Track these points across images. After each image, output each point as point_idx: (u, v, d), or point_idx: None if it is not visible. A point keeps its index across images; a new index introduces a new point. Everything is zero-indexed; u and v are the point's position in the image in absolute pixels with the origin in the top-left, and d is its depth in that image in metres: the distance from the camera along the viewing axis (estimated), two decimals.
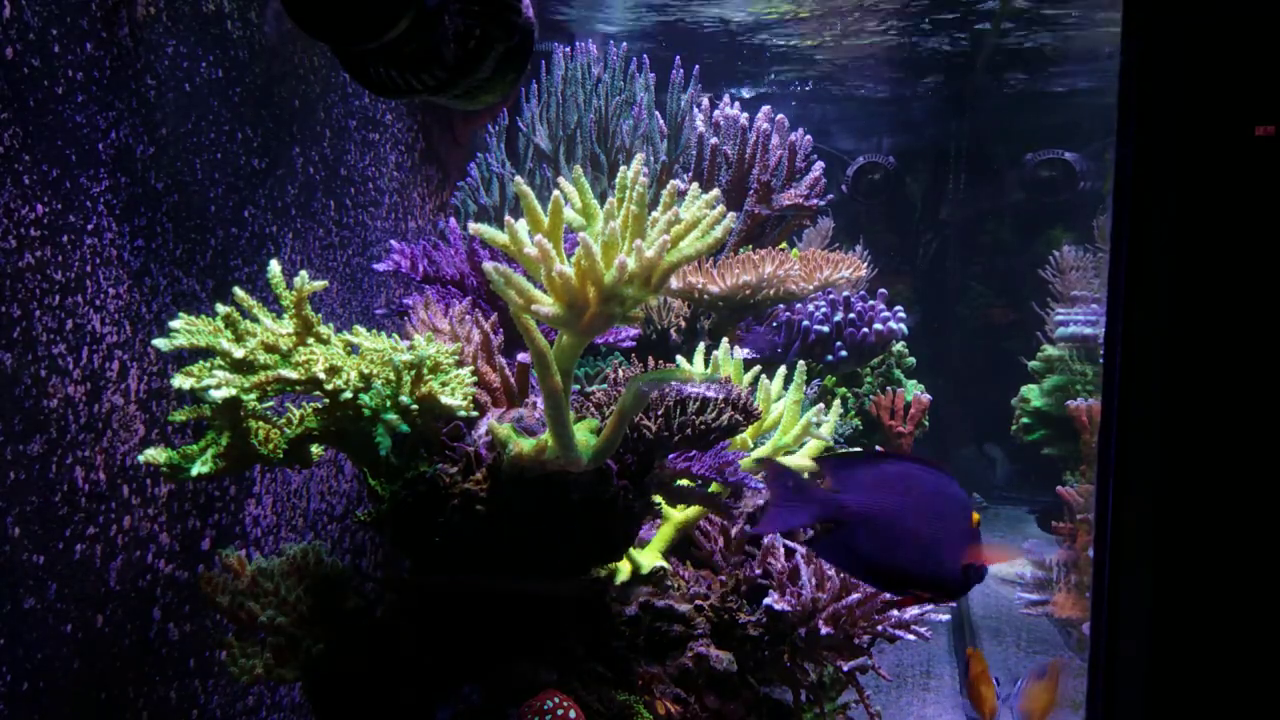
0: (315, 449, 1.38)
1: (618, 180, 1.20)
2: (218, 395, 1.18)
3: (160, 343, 1.20)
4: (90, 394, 1.28)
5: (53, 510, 1.22)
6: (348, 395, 1.24)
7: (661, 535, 1.68)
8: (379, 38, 1.27)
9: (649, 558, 1.63)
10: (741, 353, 2.18)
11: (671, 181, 1.27)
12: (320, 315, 1.30)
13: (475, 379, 1.41)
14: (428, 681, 1.40)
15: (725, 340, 1.67)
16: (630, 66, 2.36)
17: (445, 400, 1.31)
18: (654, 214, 1.19)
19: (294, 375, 1.23)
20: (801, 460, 1.68)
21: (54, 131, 1.20)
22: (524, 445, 1.30)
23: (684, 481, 1.55)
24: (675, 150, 2.38)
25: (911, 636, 1.60)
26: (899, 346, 3.02)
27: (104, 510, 1.32)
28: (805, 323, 2.29)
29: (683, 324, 2.25)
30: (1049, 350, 3.46)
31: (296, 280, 1.27)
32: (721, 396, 1.39)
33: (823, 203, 2.40)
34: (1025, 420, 3.48)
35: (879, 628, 1.60)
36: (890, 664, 2.60)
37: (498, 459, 1.34)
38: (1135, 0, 1.17)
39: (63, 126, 1.22)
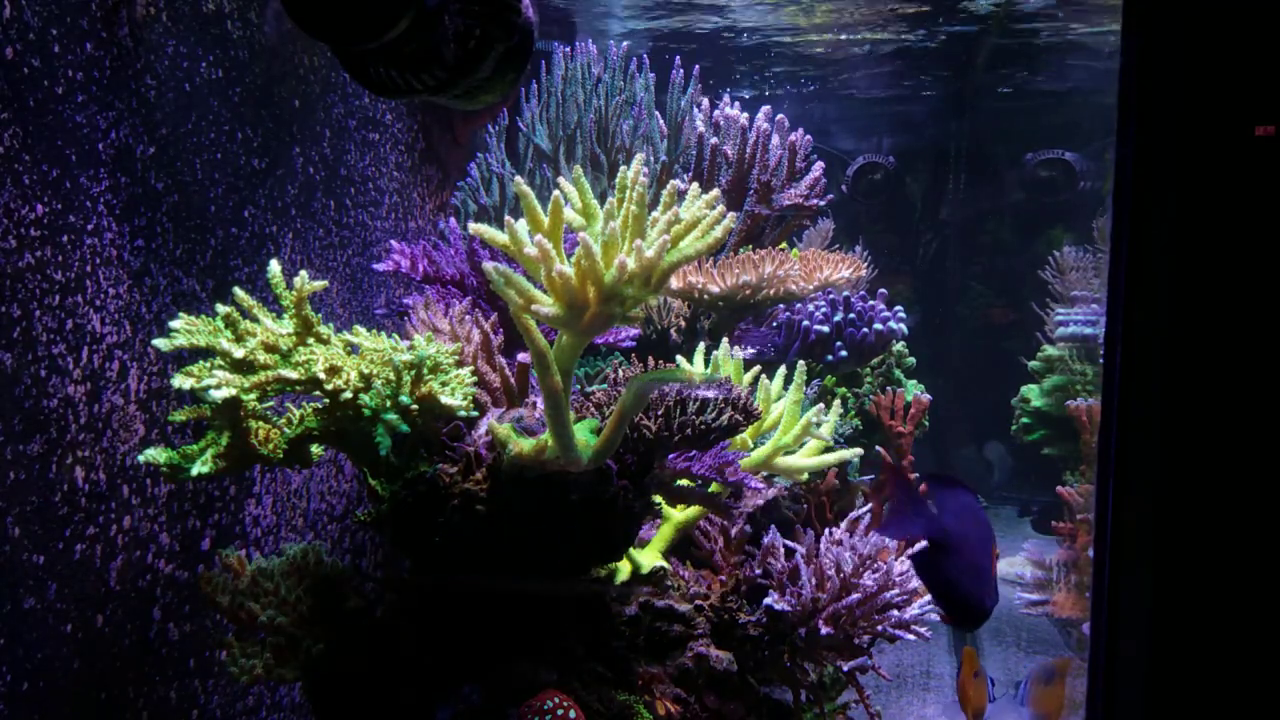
0: (315, 449, 1.38)
1: (618, 180, 1.20)
2: (218, 395, 1.18)
3: (160, 343, 1.20)
4: (90, 394, 1.28)
5: (53, 510, 1.22)
6: (348, 395, 1.24)
7: (661, 535, 1.68)
8: (379, 38, 1.27)
9: (649, 558, 1.63)
10: (745, 352, 2.18)
11: (671, 181, 1.27)
12: (320, 315, 1.30)
13: (475, 379, 1.41)
14: (428, 681, 1.40)
15: (725, 340, 1.67)
16: (630, 66, 2.36)
17: (445, 400, 1.31)
18: (654, 214, 1.19)
19: (294, 375, 1.23)
20: (802, 460, 1.68)
21: (54, 131, 1.20)
22: (524, 445, 1.30)
23: (684, 481, 1.55)
24: (675, 150, 2.38)
25: (911, 636, 1.60)
26: (899, 346, 3.02)
27: (104, 510, 1.32)
28: (805, 323, 2.29)
29: (683, 324, 2.25)
30: (1049, 350, 3.46)
31: (296, 280, 1.27)
32: (721, 396, 1.39)
33: (823, 203, 2.40)
34: (1025, 420, 3.48)
35: (879, 628, 1.60)
36: (890, 664, 2.59)
37: (498, 459, 1.35)
38: None
39: (63, 126, 1.22)
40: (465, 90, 1.45)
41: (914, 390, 2.84)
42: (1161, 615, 1.20)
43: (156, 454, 1.24)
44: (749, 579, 1.70)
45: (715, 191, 1.22)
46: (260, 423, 1.31)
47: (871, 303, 2.38)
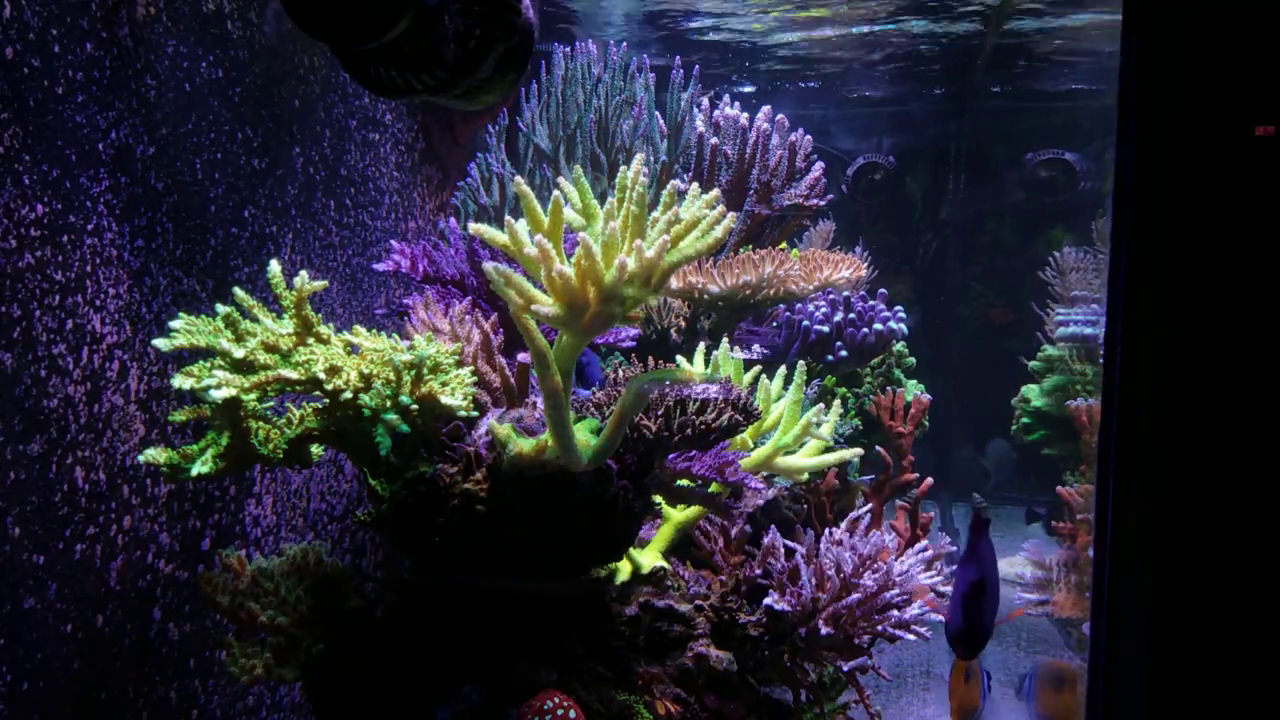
0: (315, 449, 1.38)
1: (618, 180, 1.20)
2: (218, 395, 1.18)
3: (160, 343, 1.20)
4: (90, 394, 1.28)
5: (53, 510, 1.22)
6: (348, 395, 1.24)
7: (661, 535, 1.68)
8: (379, 38, 1.27)
9: (649, 558, 1.63)
10: (746, 353, 2.18)
11: (671, 181, 1.27)
12: (320, 315, 1.30)
13: (475, 379, 1.41)
14: (428, 681, 1.40)
15: (725, 340, 1.67)
16: (630, 66, 2.36)
17: (445, 400, 1.31)
18: (654, 214, 1.19)
19: (294, 375, 1.23)
20: (802, 460, 1.68)
21: (54, 131, 1.20)
22: (524, 445, 1.30)
23: (684, 481, 1.55)
24: (675, 150, 2.38)
25: (911, 636, 1.60)
26: (899, 346, 3.02)
27: (104, 510, 1.32)
28: (805, 323, 2.29)
29: (683, 324, 2.25)
30: (1049, 350, 3.46)
31: (296, 280, 1.27)
32: (722, 397, 1.39)
33: (823, 203, 2.40)
34: (1025, 420, 3.48)
35: (879, 628, 1.60)
36: (890, 664, 2.59)
37: (498, 459, 1.35)
38: None
39: (63, 126, 1.22)
40: (465, 90, 1.45)
41: (914, 390, 2.84)
42: (1161, 615, 1.20)
43: (156, 454, 1.24)
44: (749, 579, 1.70)
45: (715, 191, 1.22)
46: (260, 423, 1.31)
47: (871, 303, 2.38)
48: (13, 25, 1.13)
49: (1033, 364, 3.52)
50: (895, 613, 1.59)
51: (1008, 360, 3.78)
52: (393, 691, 1.40)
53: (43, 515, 1.21)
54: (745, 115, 2.36)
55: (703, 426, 1.40)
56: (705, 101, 2.44)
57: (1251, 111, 1.14)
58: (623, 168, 1.21)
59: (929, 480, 2.20)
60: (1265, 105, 1.14)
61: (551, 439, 1.27)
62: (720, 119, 2.39)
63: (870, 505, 1.93)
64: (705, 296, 2.17)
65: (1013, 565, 2.86)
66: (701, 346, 1.77)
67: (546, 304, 1.15)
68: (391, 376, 1.27)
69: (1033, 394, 3.46)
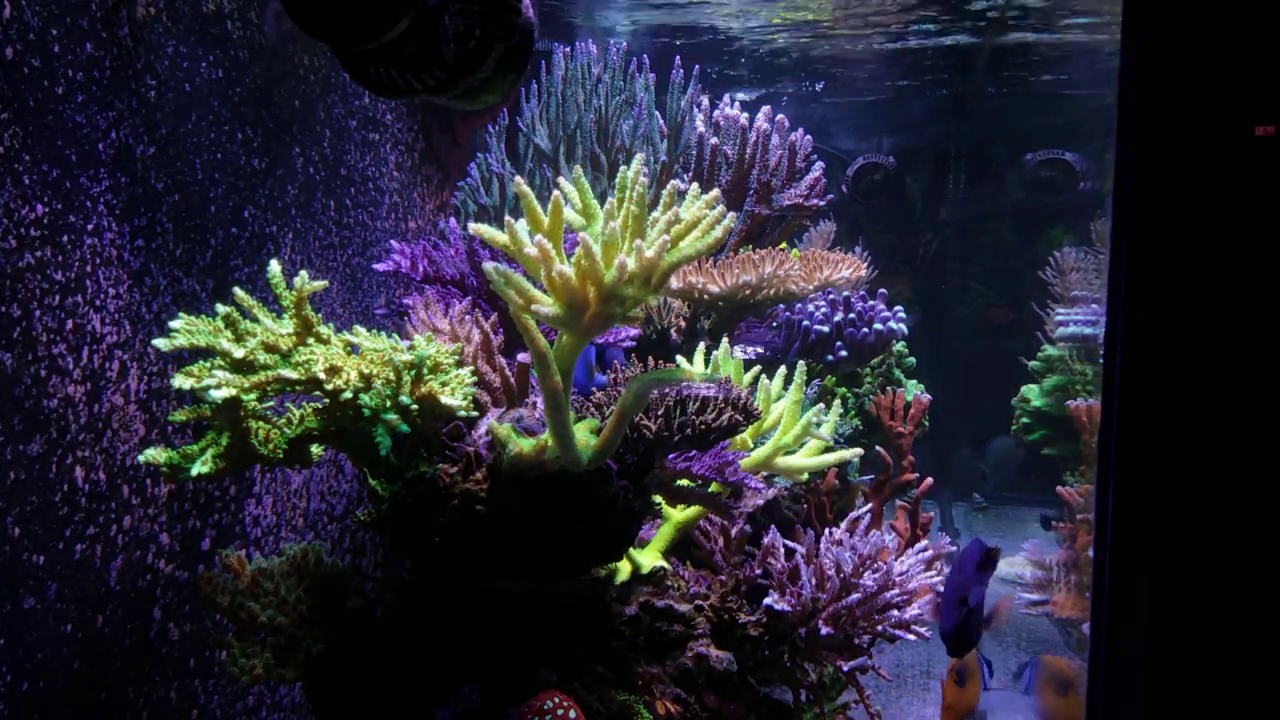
0: (315, 449, 1.38)
1: (618, 180, 1.20)
2: (218, 395, 1.18)
3: (160, 343, 1.20)
4: (90, 394, 1.28)
5: (53, 510, 1.22)
6: (348, 395, 1.24)
7: (661, 535, 1.68)
8: (379, 38, 1.27)
9: (649, 558, 1.63)
10: (745, 353, 2.18)
11: (671, 181, 1.27)
12: (320, 315, 1.30)
13: (475, 379, 1.41)
14: (428, 681, 1.40)
15: (725, 340, 1.67)
16: (630, 66, 2.36)
17: (445, 400, 1.31)
18: (654, 214, 1.19)
19: (294, 375, 1.23)
20: (802, 460, 1.68)
21: (54, 131, 1.20)
22: (524, 445, 1.30)
23: (684, 481, 1.55)
24: (675, 150, 2.38)
25: (911, 636, 1.60)
26: (899, 346, 3.02)
27: (104, 510, 1.32)
28: (805, 323, 2.29)
29: (683, 324, 2.25)
30: (1049, 350, 3.46)
31: (296, 280, 1.27)
32: (721, 396, 1.39)
33: (823, 203, 2.40)
34: (1025, 420, 3.48)
35: (879, 628, 1.60)
36: (890, 664, 2.60)
37: (498, 459, 1.35)
38: None
39: (63, 126, 1.22)
40: (465, 90, 1.45)
41: (914, 390, 2.84)
42: (1161, 615, 1.20)
43: (156, 454, 1.24)
44: (749, 579, 1.70)
45: (715, 191, 1.22)
46: (260, 423, 1.31)
47: (871, 303, 2.38)
48: (13, 25, 1.13)
49: (1033, 364, 3.52)
50: (895, 613, 1.59)
51: (1008, 360, 3.78)
52: (393, 691, 1.40)
53: (43, 515, 1.21)
54: (745, 115, 2.36)
55: (703, 426, 1.40)
56: (705, 101, 2.44)
57: (1251, 111, 1.14)
58: (623, 168, 1.21)
59: (929, 480, 2.20)
60: (1265, 105, 1.14)
61: (551, 439, 1.27)
62: (720, 119, 2.39)
63: (870, 505, 1.93)
64: (705, 296, 2.17)
65: (1013, 565, 2.86)
66: (701, 346, 1.77)
67: (546, 304, 1.15)
68: (391, 376, 1.27)
69: (1033, 394, 3.46)
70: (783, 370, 1.72)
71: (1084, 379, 3.21)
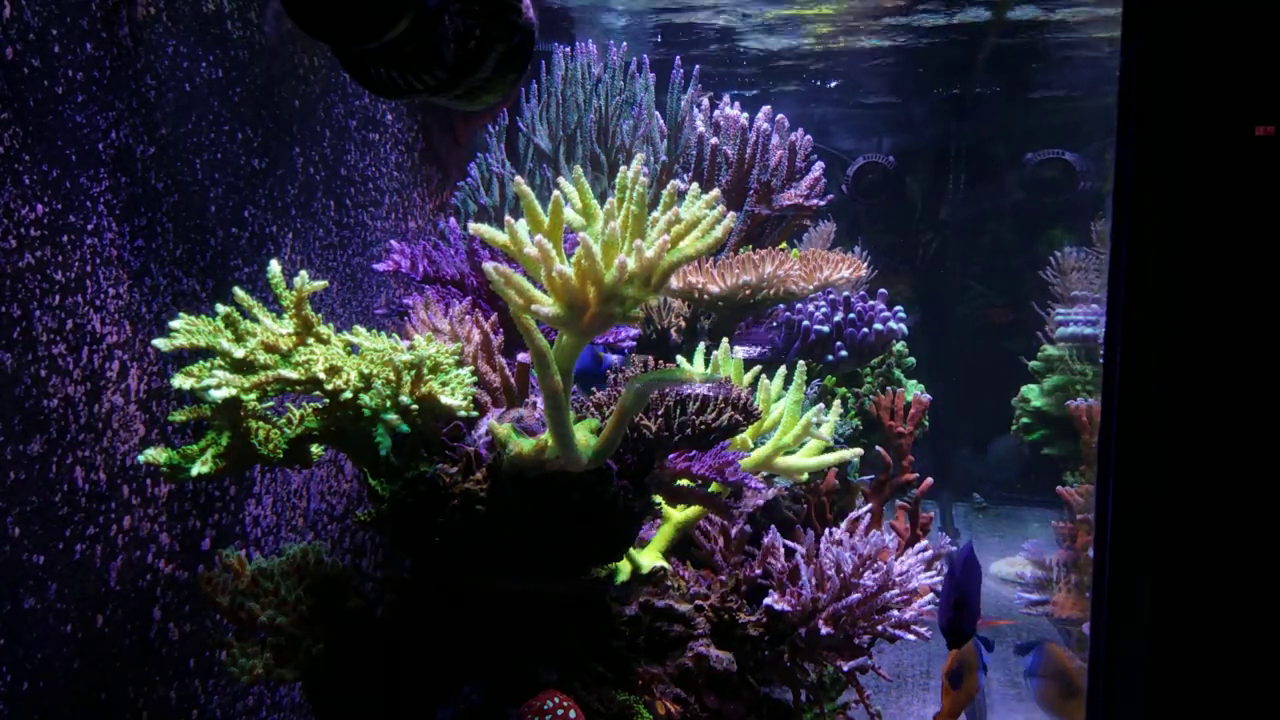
0: (315, 449, 1.38)
1: (618, 180, 1.20)
2: (218, 395, 1.18)
3: (160, 343, 1.20)
4: (90, 394, 1.28)
5: (53, 510, 1.22)
6: (348, 395, 1.24)
7: (661, 535, 1.68)
8: (379, 38, 1.27)
9: (649, 558, 1.63)
10: (745, 351, 2.18)
11: (671, 181, 1.27)
12: (320, 315, 1.30)
13: (475, 379, 1.41)
14: (428, 681, 1.40)
15: (725, 340, 1.67)
16: (630, 66, 2.36)
17: (445, 400, 1.31)
18: (654, 214, 1.19)
19: (294, 375, 1.23)
20: (801, 460, 1.68)
21: (54, 131, 1.20)
22: (524, 445, 1.30)
23: (684, 481, 1.55)
24: (675, 150, 2.38)
25: (911, 636, 1.60)
26: (899, 346, 3.02)
27: (104, 510, 1.32)
28: (805, 323, 2.29)
29: (683, 324, 2.25)
30: (1049, 350, 3.46)
31: (296, 280, 1.27)
32: (721, 396, 1.39)
33: (823, 203, 2.40)
34: (1025, 420, 3.48)
35: (879, 628, 1.60)
36: (890, 664, 2.60)
37: (498, 459, 1.35)
38: None
39: (63, 126, 1.22)
40: (465, 90, 1.45)
41: (914, 390, 2.84)
42: (1161, 615, 1.20)
43: (156, 454, 1.24)
44: (749, 579, 1.70)
45: (715, 191, 1.22)
46: (260, 423, 1.31)
47: (871, 303, 2.38)
48: (13, 25, 1.13)
49: (1033, 364, 3.52)
50: (895, 613, 1.59)
51: (1008, 360, 3.78)
52: (393, 691, 1.40)
53: (43, 515, 1.21)
54: (745, 115, 2.37)
55: (703, 426, 1.40)
56: (705, 101, 2.44)
57: (1251, 111, 1.14)
58: (623, 168, 1.21)
59: (929, 480, 2.20)
60: (1265, 105, 1.14)
61: (551, 439, 1.27)
62: (720, 119, 2.39)
63: (870, 505, 1.93)
64: (705, 296, 2.17)
65: (1013, 565, 2.86)
66: (701, 346, 1.77)
67: (546, 304, 1.15)
68: (391, 376, 1.27)
69: (1033, 394, 3.46)
70: (783, 370, 1.72)
71: (1084, 379, 3.22)
